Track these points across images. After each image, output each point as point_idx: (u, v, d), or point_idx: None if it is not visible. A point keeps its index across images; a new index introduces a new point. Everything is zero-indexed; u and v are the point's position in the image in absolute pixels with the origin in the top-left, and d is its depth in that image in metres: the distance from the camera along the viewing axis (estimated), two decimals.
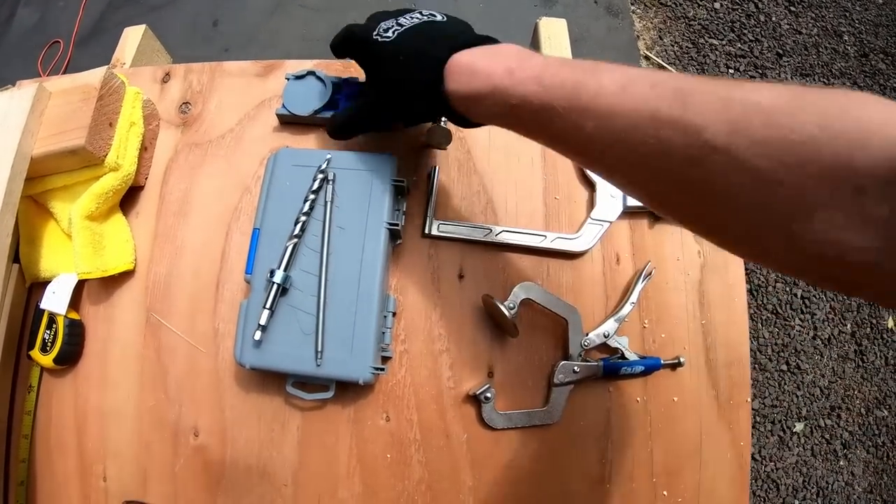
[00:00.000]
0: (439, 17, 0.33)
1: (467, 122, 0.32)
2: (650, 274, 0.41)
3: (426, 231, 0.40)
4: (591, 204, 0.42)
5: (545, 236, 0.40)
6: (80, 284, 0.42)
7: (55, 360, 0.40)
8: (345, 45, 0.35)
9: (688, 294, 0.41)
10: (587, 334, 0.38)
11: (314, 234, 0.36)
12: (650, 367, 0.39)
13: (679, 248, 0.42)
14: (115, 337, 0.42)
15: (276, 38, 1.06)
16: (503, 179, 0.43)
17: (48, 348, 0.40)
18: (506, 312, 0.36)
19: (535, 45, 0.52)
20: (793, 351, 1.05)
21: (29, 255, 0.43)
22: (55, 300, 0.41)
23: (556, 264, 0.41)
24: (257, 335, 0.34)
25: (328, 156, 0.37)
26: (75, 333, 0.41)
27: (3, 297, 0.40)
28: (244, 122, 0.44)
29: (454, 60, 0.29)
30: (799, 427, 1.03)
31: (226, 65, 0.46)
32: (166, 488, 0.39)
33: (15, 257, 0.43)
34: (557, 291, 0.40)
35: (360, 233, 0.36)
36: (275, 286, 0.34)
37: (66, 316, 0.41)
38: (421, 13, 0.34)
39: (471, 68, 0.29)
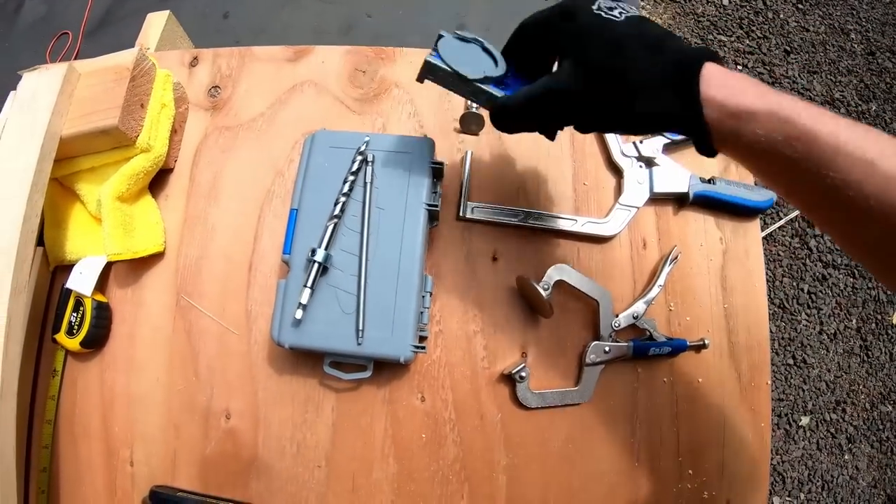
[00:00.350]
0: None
1: (708, 146, 0.25)
2: (676, 258, 0.41)
3: (460, 214, 0.41)
4: (619, 190, 0.42)
5: (576, 220, 0.41)
6: (107, 267, 0.42)
7: (82, 343, 0.40)
8: (550, 20, 0.28)
9: (710, 279, 0.42)
10: (617, 316, 0.39)
11: (353, 215, 0.36)
12: (677, 348, 0.39)
13: (702, 234, 0.43)
14: (143, 320, 0.41)
15: (287, 30, 1.05)
16: (534, 165, 0.43)
17: (75, 331, 0.40)
18: (542, 292, 0.36)
19: None
20: (799, 345, 1.06)
21: (54, 238, 0.43)
22: (82, 280, 0.41)
23: (586, 248, 0.42)
24: (298, 314, 0.34)
25: (366, 138, 0.37)
26: (103, 316, 0.41)
27: (29, 280, 0.39)
28: (275, 107, 0.44)
29: (710, 66, 0.24)
30: (805, 421, 1.04)
31: (255, 49, 0.46)
32: (196, 472, 0.39)
33: (38, 240, 0.42)
34: (587, 274, 0.41)
35: (400, 213, 0.36)
36: (316, 265, 0.35)
37: (93, 298, 0.40)
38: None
39: (725, 82, 0.24)
